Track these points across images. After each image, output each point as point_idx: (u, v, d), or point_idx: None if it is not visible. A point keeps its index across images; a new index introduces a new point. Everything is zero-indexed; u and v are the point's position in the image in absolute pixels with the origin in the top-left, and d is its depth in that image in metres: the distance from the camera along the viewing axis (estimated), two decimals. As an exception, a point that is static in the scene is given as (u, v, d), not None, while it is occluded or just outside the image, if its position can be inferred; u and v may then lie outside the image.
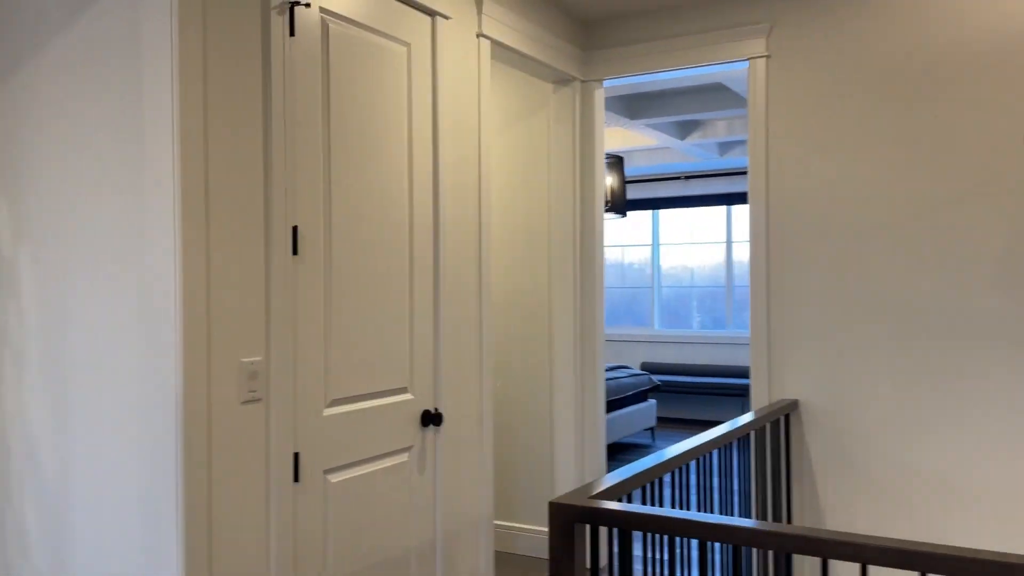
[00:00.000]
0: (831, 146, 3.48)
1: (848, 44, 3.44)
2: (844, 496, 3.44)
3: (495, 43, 3.28)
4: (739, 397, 8.03)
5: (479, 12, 3.15)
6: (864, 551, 1.53)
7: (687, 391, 8.26)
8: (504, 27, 3.31)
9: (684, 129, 6.85)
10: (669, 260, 9.20)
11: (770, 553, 3.17)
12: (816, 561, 3.49)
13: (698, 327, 9.04)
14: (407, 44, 2.78)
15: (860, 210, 3.42)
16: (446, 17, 2.95)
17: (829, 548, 1.55)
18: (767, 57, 3.58)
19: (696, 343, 8.87)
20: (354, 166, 2.53)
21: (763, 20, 3.60)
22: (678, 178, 8.84)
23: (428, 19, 2.89)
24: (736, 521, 1.66)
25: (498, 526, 4.19)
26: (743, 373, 8.32)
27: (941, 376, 3.27)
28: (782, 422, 3.45)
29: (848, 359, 3.44)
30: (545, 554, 4.06)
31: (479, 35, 3.16)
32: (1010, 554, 1.45)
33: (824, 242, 3.49)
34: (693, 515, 1.69)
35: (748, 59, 3.62)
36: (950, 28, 3.25)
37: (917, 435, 3.31)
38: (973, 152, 3.22)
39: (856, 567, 3.36)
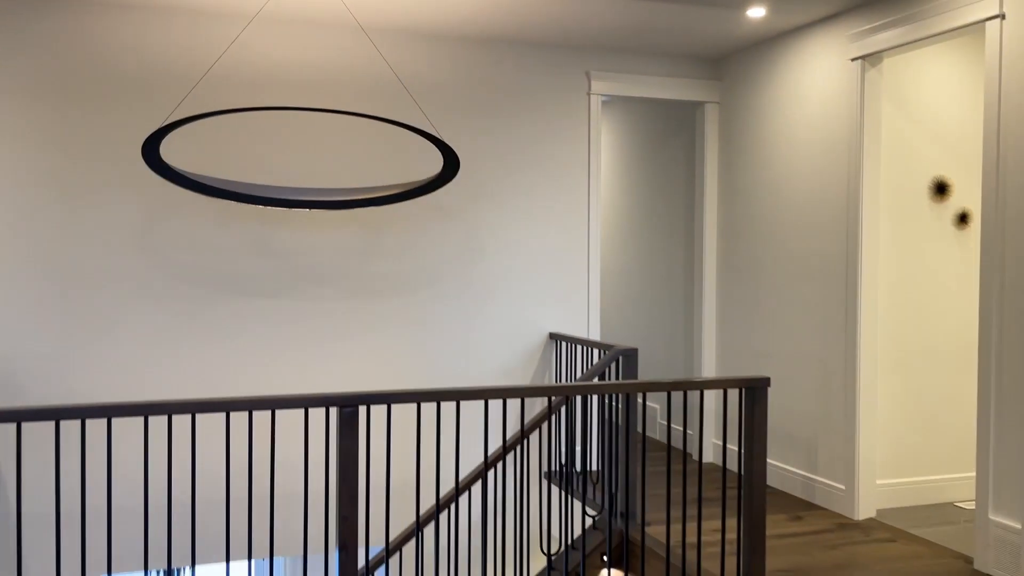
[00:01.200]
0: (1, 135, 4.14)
1: (25, 46, 4.13)
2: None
3: None
4: None
5: None
6: (60, 412, 2.50)
7: None
8: None
9: None
10: None
11: None
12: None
13: None
14: None
15: (28, 192, 4.19)
16: None
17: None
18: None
19: None
20: None
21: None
22: None
23: None
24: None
25: None
26: None
27: (96, 319, 4.33)
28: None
29: (31, 313, 4.20)
30: None
31: None
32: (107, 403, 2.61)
33: (-3, 213, 4.15)
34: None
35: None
36: (101, 48, 4.28)
37: (74, 363, 4.31)
38: (117, 148, 4.33)
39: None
